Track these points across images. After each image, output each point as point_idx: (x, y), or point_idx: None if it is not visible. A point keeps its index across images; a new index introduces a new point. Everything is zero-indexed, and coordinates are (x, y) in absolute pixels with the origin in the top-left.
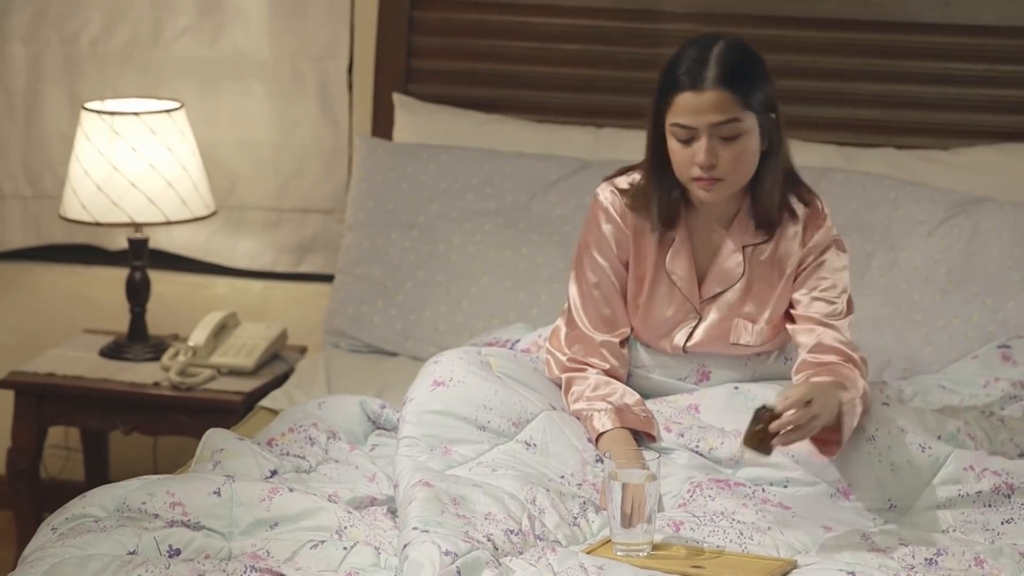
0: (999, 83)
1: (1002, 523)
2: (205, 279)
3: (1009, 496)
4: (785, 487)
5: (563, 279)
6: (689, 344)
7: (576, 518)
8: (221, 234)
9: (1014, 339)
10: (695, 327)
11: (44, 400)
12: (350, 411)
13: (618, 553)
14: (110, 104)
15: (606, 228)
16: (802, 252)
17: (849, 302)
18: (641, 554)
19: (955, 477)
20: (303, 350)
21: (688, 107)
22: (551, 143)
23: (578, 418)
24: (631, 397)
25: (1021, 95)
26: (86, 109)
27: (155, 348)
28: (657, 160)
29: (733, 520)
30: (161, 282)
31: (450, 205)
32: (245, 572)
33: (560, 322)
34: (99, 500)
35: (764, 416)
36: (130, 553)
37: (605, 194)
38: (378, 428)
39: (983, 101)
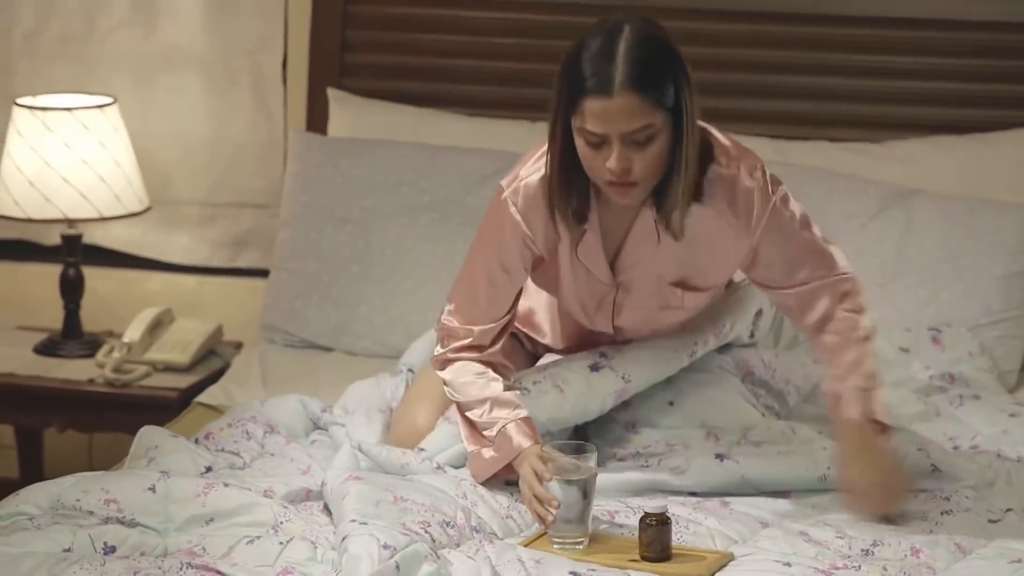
0: (930, 76)
1: (941, 514)
2: (140, 275)
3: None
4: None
5: None
6: (617, 323)
7: (508, 510)
8: (156, 229)
9: (943, 325)
10: (619, 308)
11: None
12: (291, 408)
13: (555, 547)
14: (42, 100)
15: (511, 241)
16: (750, 240)
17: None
18: (578, 547)
19: None
20: (239, 346)
21: (597, 114)
22: (485, 137)
23: (473, 426)
24: (500, 388)
25: (951, 88)
26: (18, 105)
27: (90, 345)
28: (565, 158)
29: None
30: (95, 278)
31: (385, 199)
32: (181, 569)
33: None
34: (33, 498)
35: (652, 523)
36: (65, 551)
37: (510, 203)
38: (318, 429)
39: (914, 94)
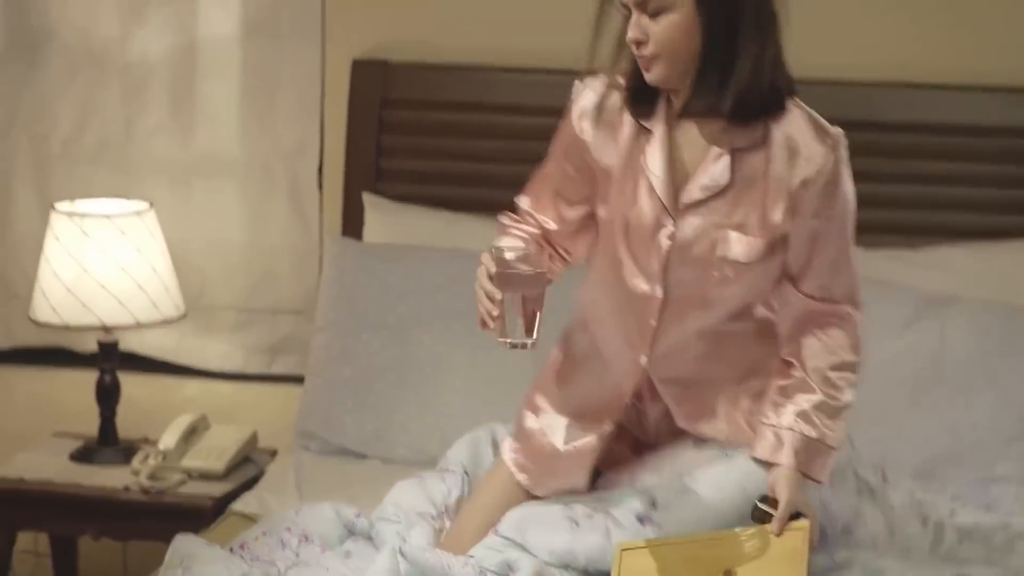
0: (965, 182)
1: None
2: (175, 381)
3: None
4: None
5: (532, 379)
6: (669, 276)
7: None
8: (192, 335)
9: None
10: (674, 251)
11: (13, 505)
12: (325, 515)
13: (500, 344)
14: (80, 205)
15: (571, 134)
16: (793, 189)
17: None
18: (524, 348)
19: None
20: (273, 453)
21: None
22: None
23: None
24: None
25: (987, 194)
26: (56, 210)
27: (125, 452)
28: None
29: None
30: (131, 384)
31: (420, 305)
32: None
33: None
34: None
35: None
36: None
37: (580, 97)
38: (353, 535)
39: (950, 200)
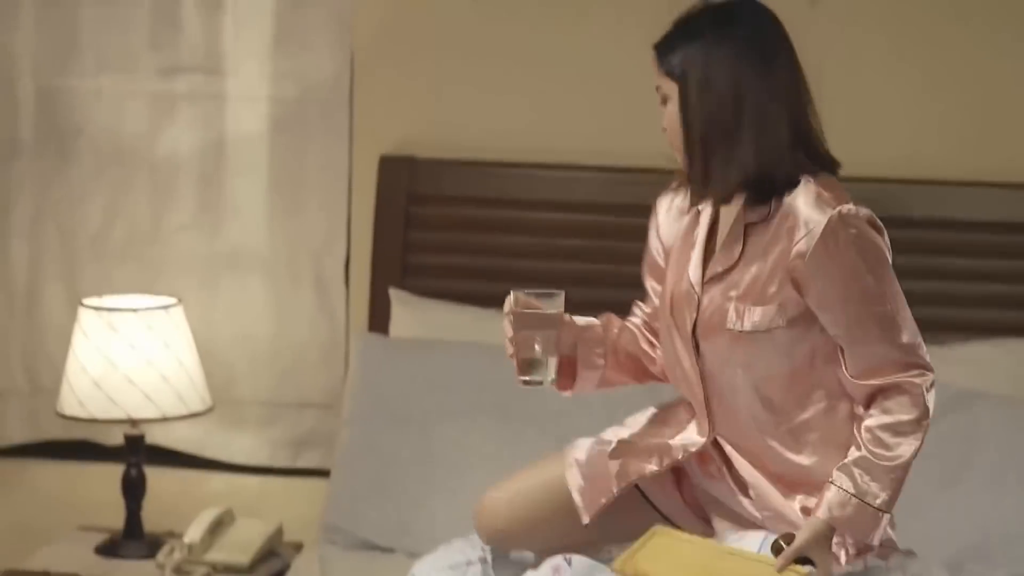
0: (992, 278)
1: None
2: (201, 475)
3: None
4: None
5: None
6: (700, 345)
7: None
8: (218, 429)
9: None
10: (700, 323)
11: None
12: None
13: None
14: (108, 300)
15: (654, 217)
16: (791, 260)
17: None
18: (539, 386)
19: None
20: (299, 546)
21: None
22: None
23: None
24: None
25: (1013, 290)
26: (84, 305)
27: (150, 545)
28: None
29: None
30: (157, 478)
31: (446, 400)
32: None
33: None
34: None
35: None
36: None
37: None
38: None
39: (976, 296)
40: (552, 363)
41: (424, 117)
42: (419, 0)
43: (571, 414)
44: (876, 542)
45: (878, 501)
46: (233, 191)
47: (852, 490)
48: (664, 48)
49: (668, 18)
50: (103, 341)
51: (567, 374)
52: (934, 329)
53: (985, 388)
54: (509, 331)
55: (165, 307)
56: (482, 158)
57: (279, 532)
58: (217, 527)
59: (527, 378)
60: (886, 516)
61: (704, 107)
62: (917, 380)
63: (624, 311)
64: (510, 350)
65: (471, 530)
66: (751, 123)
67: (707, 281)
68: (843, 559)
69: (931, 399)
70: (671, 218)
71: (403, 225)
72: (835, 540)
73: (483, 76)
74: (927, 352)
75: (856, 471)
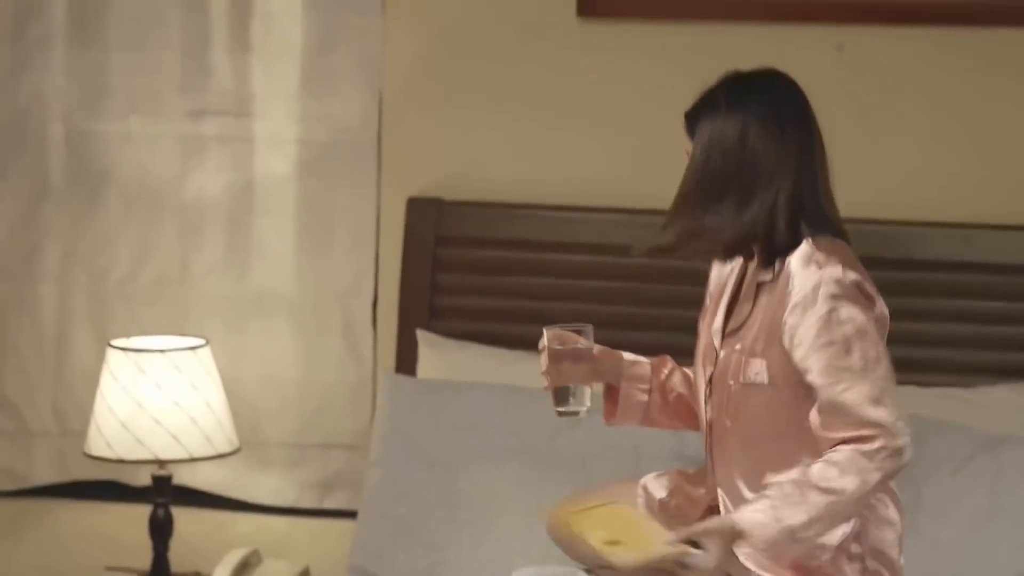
0: (1019, 321)
1: None
2: (228, 516)
3: None
4: None
5: None
6: (712, 374)
7: None
8: (245, 470)
9: None
10: (716, 360)
11: None
12: None
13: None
14: (136, 341)
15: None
16: (783, 318)
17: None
18: (574, 416)
19: None
20: None
21: None
22: None
23: None
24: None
25: None
26: (112, 346)
27: None
28: None
29: None
30: (184, 519)
31: (474, 443)
32: None
33: None
34: None
35: None
36: None
37: None
38: None
39: (1004, 339)
40: (587, 393)
41: (452, 159)
42: (447, 43)
43: (599, 457)
44: (784, 565)
45: (790, 522)
46: (261, 233)
47: (769, 505)
48: (689, 115)
49: (696, 65)
50: (131, 382)
51: (612, 403)
52: (960, 372)
53: (1012, 432)
54: (545, 364)
55: (193, 348)
56: (509, 200)
57: (306, 573)
58: (244, 568)
59: (563, 408)
60: (806, 542)
61: (701, 167)
62: (876, 442)
63: (650, 353)
64: (546, 382)
65: (498, 573)
66: (743, 187)
67: (726, 335)
68: (748, 564)
69: (888, 462)
70: (719, 268)
71: (431, 267)
72: (745, 549)
73: (510, 119)
74: (900, 418)
75: (788, 488)
